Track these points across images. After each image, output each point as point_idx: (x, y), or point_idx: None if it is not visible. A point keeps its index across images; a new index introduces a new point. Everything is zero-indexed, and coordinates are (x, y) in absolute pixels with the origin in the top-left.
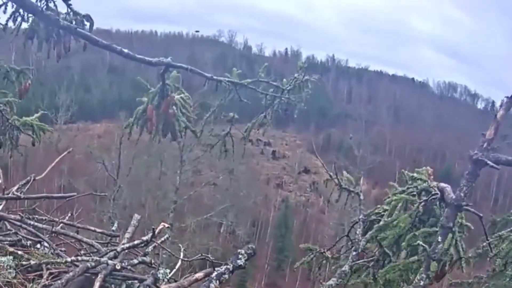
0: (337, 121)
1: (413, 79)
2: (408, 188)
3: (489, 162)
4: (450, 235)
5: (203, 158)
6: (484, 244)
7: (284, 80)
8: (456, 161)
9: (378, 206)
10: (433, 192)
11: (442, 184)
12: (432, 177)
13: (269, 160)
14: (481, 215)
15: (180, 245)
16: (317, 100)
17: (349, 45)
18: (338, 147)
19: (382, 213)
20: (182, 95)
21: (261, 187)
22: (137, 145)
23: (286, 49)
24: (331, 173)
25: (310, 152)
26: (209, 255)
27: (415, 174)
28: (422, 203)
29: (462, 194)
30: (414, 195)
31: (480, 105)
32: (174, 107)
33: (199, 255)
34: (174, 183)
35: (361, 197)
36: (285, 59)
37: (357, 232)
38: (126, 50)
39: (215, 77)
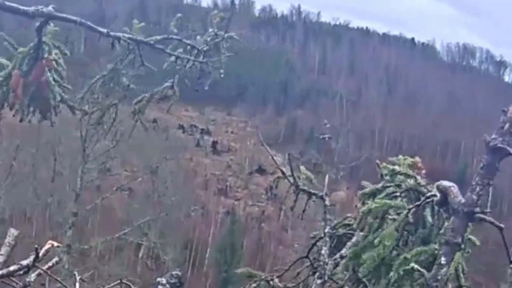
0: (306, 100)
1: (413, 39)
2: (384, 187)
3: None
4: (458, 254)
5: (114, 152)
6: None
7: (199, 37)
8: (474, 157)
9: (348, 215)
10: (427, 194)
11: (445, 183)
12: (423, 171)
13: (208, 155)
14: (502, 226)
15: (75, 273)
16: (276, 70)
17: None
18: (307, 137)
19: (354, 225)
20: (54, 52)
21: (197, 193)
22: (22, 132)
23: None
24: (284, 169)
25: (267, 143)
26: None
27: (396, 167)
28: (413, 210)
29: (474, 197)
30: (395, 198)
31: (509, 77)
32: (48, 74)
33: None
34: (73, 187)
35: (327, 202)
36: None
37: (322, 252)
38: None
39: (112, 33)
